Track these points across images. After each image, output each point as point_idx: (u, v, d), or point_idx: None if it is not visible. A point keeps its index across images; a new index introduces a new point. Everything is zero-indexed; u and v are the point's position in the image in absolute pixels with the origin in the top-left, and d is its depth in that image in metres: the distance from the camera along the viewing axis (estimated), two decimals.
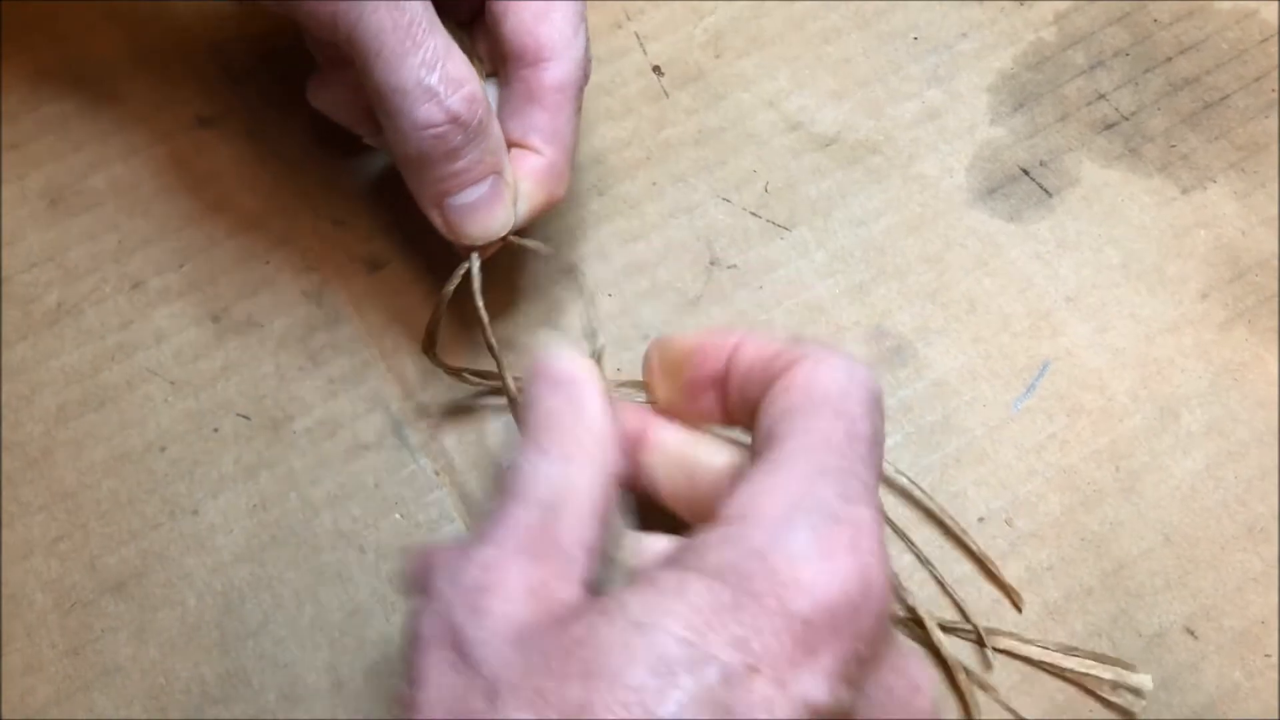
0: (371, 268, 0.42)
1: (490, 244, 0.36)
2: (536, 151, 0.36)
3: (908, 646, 0.27)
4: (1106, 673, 0.36)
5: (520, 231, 0.37)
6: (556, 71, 0.36)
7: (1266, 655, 0.37)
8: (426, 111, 0.33)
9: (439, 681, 0.24)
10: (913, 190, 0.44)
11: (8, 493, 0.38)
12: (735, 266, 0.42)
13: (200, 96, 0.44)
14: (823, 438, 0.27)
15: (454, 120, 0.34)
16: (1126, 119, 0.45)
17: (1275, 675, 0.36)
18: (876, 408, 0.28)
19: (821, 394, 0.28)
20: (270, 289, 0.41)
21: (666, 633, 0.23)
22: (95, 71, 0.45)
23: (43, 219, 0.42)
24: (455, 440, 0.39)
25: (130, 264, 0.41)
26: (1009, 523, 0.38)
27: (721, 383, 0.31)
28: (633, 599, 0.24)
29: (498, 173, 0.35)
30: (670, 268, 0.42)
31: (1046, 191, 0.44)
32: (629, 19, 0.47)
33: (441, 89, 0.33)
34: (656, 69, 0.46)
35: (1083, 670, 0.36)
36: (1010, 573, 0.38)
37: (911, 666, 0.26)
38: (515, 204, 0.36)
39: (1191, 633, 0.37)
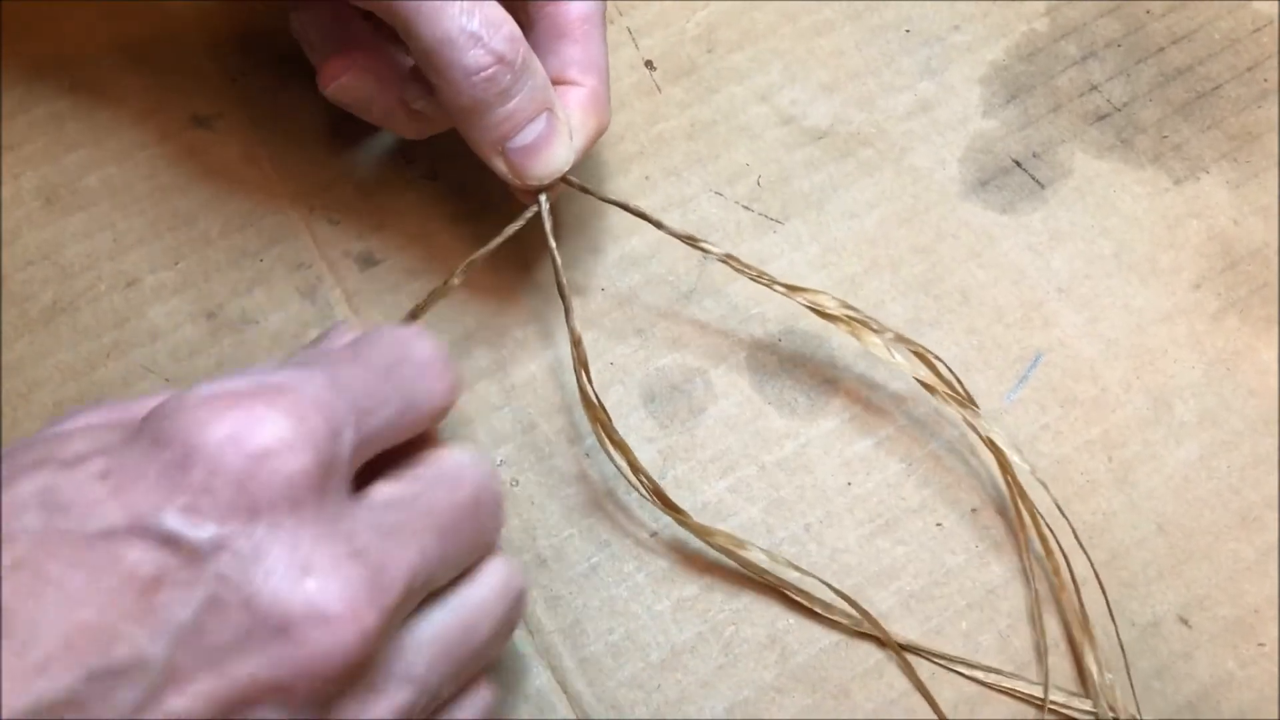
0: (365, 265, 0.42)
1: (554, 186, 0.37)
2: (576, 83, 0.37)
3: (341, 547, 0.25)
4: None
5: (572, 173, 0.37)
6: (580, 3, 0.37)
7: (1260, 644, 0.37)
8: (474, 57, 0.34)
9: None
10: (905, 182, 0.44)
11: None
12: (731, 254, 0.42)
13: (195, 96, 0.45)
14: (318, 350, 0.30)
15: (500, 60, 0.34)
16: (1119, 110, 0.45)
17: (1268, 664, 0.37)
18: (407, 359, 0.29)
19: (359, 340, 0.30)
20: (265, 286, 0.41)
21: (72, 440, 0.26)
22: (90, 72, 0.45)
23: (38, 218, 0.42)
24: (449, 435, 0.39)
25: (125, 262, 0.42)
26: (1002, 513, 0.38)
27: None
28: (81, 423, 0.28)
29: (549, 108, 0.36)
30: (663, 261, 0.42)
31: (1039, 183, 0.44)
32: (621, 14, 0.47)
33: (484, 32, 0.34)
34: (649, 63, 0.46)
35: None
36: (1003, 563, 0.38)
37: (320, 552, 0.25)
38: (571, 138, 0.37)
39: (1185, 622, 0.37)
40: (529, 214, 0.37)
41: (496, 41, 0.34)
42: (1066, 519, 0.37)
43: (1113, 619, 0.37)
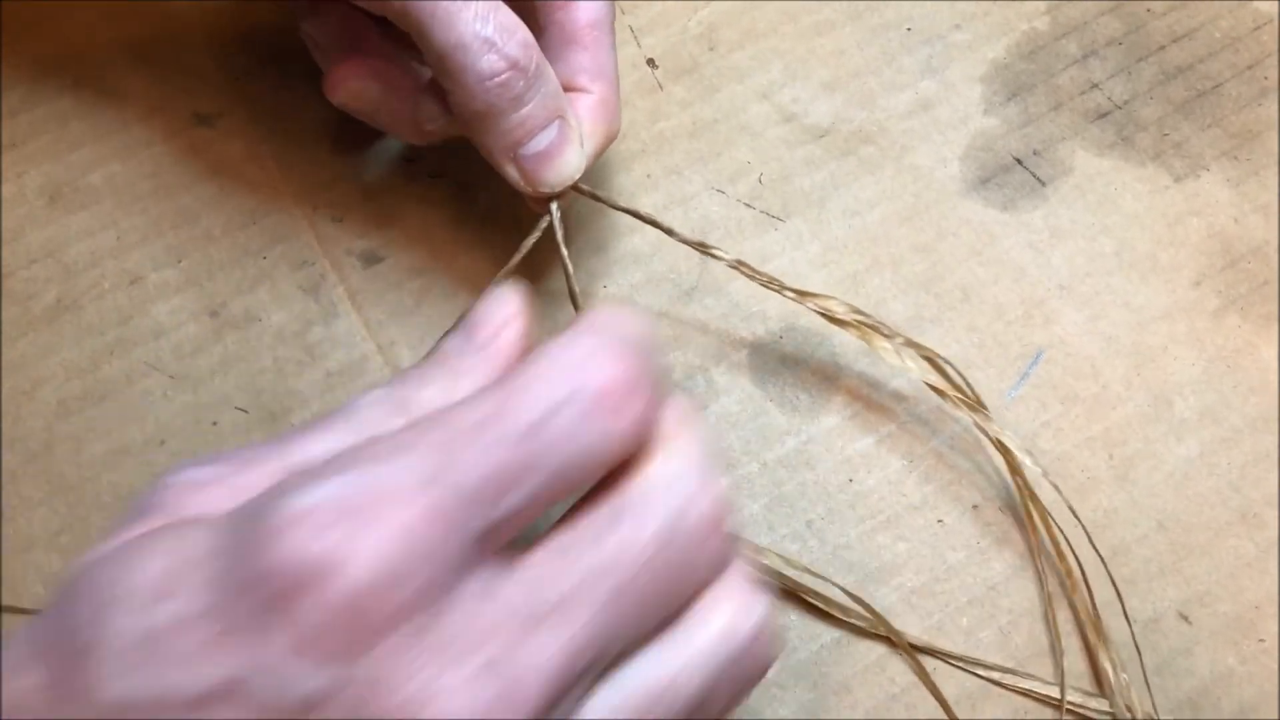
0: (368, 262, 0.42)
1: (564, 193, 0.37)
2: (586, 90, 0.37)
3: (473, 661, 0.22)
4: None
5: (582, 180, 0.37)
6: (589, 9, 0.37)
7: (1260, 640, 0.37)
8: (488, 62, 0.34)
9: None
10: (906, 180, 0.44)
11: (9, 487, 0.38)
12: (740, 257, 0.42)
13: (198, 95, 0.45)
14: (458, 413, 0.23)
15: (514, 66, 0.34)
16: (1119, 108, 0.45)
17: (1269, 661, 0.37)
18: (576, 402, 0.23)
19: (520, 367, 0.24)
20: (268, 284, 0.41)
21: (138, 567, 0.22)
22: (94, 70, 0.45)
23: (41, 216, 0.42)
24: None
25: (129, 260, 0.42)
26: (1003, 510, 0.38)
27: None
28: (161, 529, 0.23)
29: (561, 116, 0.36)
30: (665, 259, 0.42)
31: (1040, 181, 0.44)
32: (623, 13, 0.47)
33: (498, 38, 0.34)
34: (651, 62, 0.46)
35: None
36: (1004, 560, 0.38)
37: (437, 677, 0.22)
38: (582, 145, 0.37)
39: (1185, 618, 0.37)
40: (543, 225, 0.37)
41: (511, 47, 0.34)
42: (1078, 519, 0.37)
43: (1126, 618, 0.37)
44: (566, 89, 0.37)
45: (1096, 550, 0.37)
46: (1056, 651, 0.36)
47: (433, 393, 0.26)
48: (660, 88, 0.45)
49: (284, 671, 0.21)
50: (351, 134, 0.44)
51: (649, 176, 0.44)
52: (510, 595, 0.23)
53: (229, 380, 0.40)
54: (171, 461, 0.39)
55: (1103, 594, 0.37)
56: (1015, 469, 0.38)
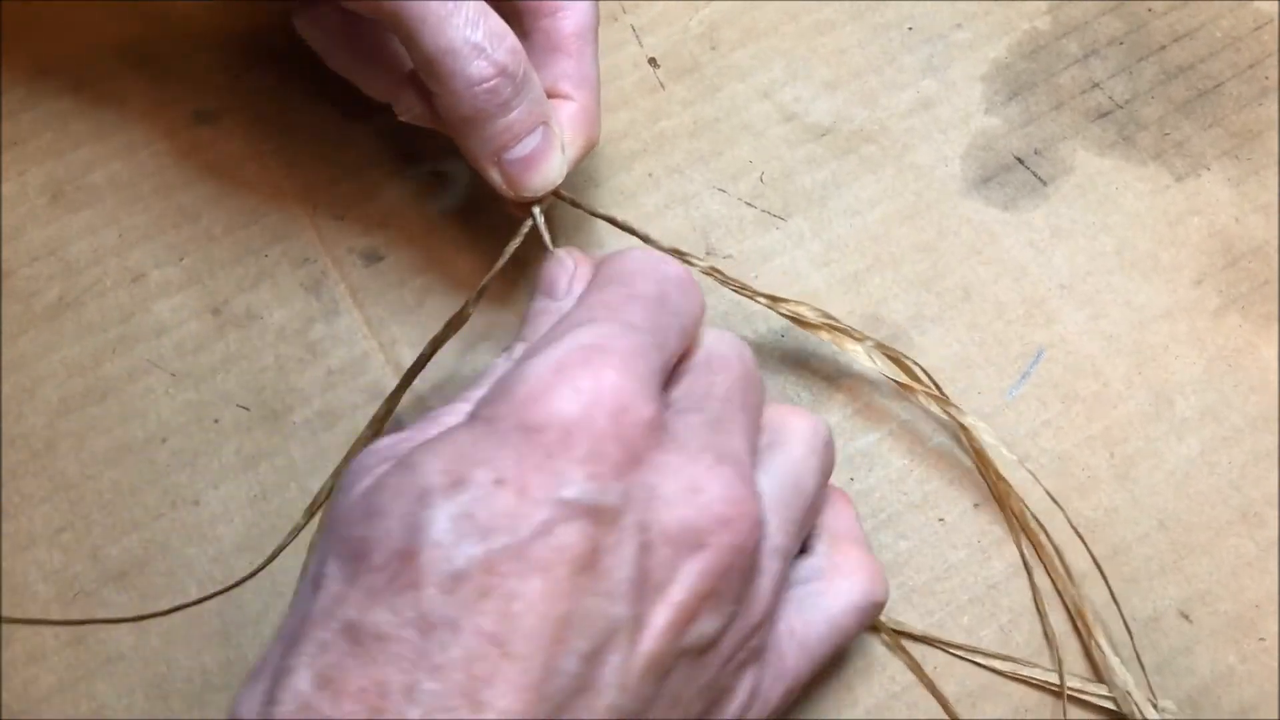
0: (369, 260, 0.42)
1: (545, 198, 0.37)
2: (568, 98, 0.37)
3: (704, 457, 0.28)
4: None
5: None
6: (575, 18, 0.38)
7: (1261, 639, 0.37)
8: (477, 68, 0.34)
9: (313, 558, 0.28)
10: (907, 179, 0.44)
11: (10, 485, 0.38)
12: (731, 256, 0.42)
13: (199, 92, 0.45)
14: (599, 300, 0.30)
15: (503, 72, 0.34)
16: (1120, 107, 0.45)
17: (1269, 659, 0.37)
18: (668, 282, 0.31)
19: (611, 274, 0.31)
20: (270, 282, 0.41)
21: (429, 467, 0.26)
22: (95, 68, 0.45)
23: (43, 214, 0.42)
24: None
25: (130, 258, 0.42)
26: (1004, 509, 0.38)
27: None
28: (415, 447, 0.27)
29: (545, 122, 0.36)
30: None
31: (1041, 180, 0.44)
32: (625, 12, 0.47)
33: (487, 44, 0.34)
34: (652, 61, 0.46)
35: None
36: (1005, 559, 0.38)
37: (692, 468, 0.27)
38: (564, 152, 0.37)
39: (1186, 617, 0.37)
40: (525, 229, 0.37)
41: (500, 53, 0.34)
42: (1062, 510, 0.37)
43: (1117, 605, 0.37)
44: (549, 95, 0.37)
45: (1090, 552, 0.37)
46: (1051, 638, 0.36)
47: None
48: (662, 87, 0.45)
49: (585, 497, 0.25)
50: (353, 132, 0.44)
51: (650, 175, 0.44)
52: (692, 419, 0.29)
53: (230, 378, 0.40)
54: (173, 459, 0.39)
55: (1104, 592, 0.37)
56: (986, 465, 0.38)
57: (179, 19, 0.46)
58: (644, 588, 0.26)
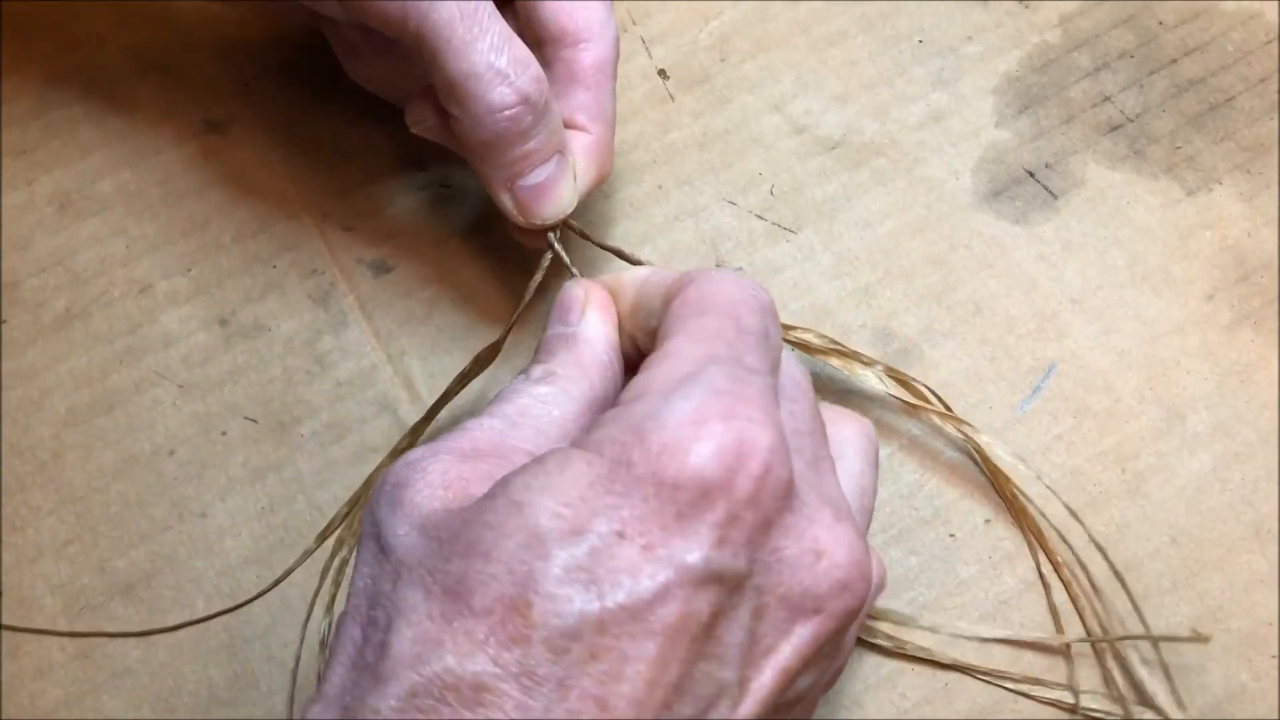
0: (378, 271, 0.42)
1: (555, 226, 0.37)
2: (584, 130, 0.37)
3: (824, 515, 0.27)
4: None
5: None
6: (596, 52, 0.37)
7: (1274, 656, 0.37)
8: (500, 94, 0.34)
9: (363, 570, 0.27)
10: (918, 193, 0.44)
11: (17, 496, 0.38)
12: (741, 269, 0.42)
13: (208, 101, 0.45)
14: (712, 332, 0.28)
15: (525, 100, 0.34)
16: (1131, 121, 0.45)
17: None
18: (766, 313, 0.30)
19: (711, 302, 0.29)
20: (278, 293, 0.41)
21: (541, 508, 0.24)
22: (103, 77, 0.45)
23: (51, 224, 0.42)
24: None
25: (138, 268, 0.42)
26: (1014, 524, 0.38)
27: (631, 317, 0.33)
28: (516, 479, 0.25)
29: (561, 151, 0.36)
30: (676, 271, 0.42)
31: (1052, 193, 0.44)
32: (634, 23, 0.47)
33: (511, 70, 0.34)
34: (662, 73, 0.46)
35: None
36: (1016, 574, 0.38)
37: (815, 530, 0.26)
38: (577, 181, 0.37)
39: (1198, 634, 0.37)
40: (546, 261, 0.37)
41: (523, 81, 0.34)
42: (1081, 523, 0.37)
43: (1141, 619, 0.36)
44: (565, 125, 0.37)
45: (1112, 566, 0.37)
46: (1072, 662, 0.36)
47: (565, 361, 0.32)
48: (671, 98, 0.45)
49: (714, 563, 0.24)
50: (362, 142, 0.44)
51: (660, 188, 0.44)
52: (795, 458, 0.27)
53: (238, 389, 0.40)
54: (180, 472, 0.38)
55: (1116, 608, 0.37)
56: (1001, 485, 0.38)
57: (188, 27, 0.46)
58: (753, 651, 0.25)
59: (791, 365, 0.31)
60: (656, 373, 0.27)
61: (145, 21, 0.46)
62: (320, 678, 0.26)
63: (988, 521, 0.38)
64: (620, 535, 0.24)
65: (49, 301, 0.41)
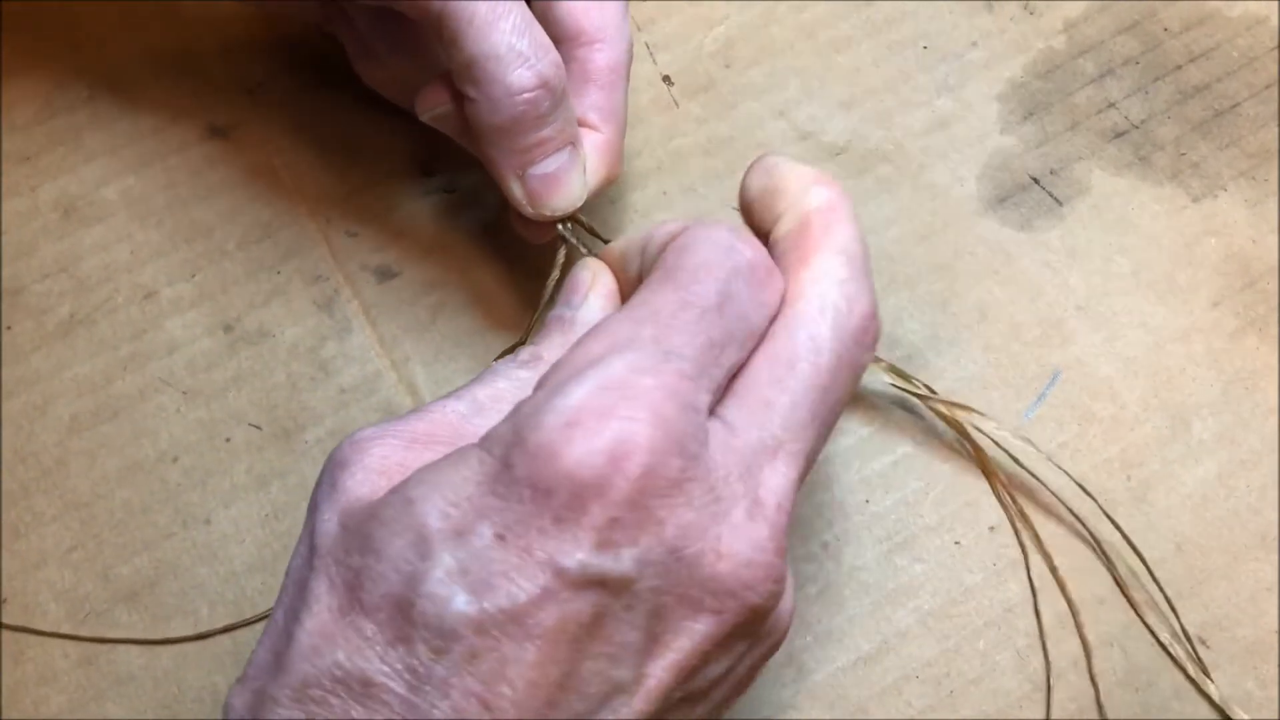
0: (382, 277, 0.42)
1: (563, 219, 0.37)
2: (596, 129, 0.37)
3: (735, 513, 0.26)
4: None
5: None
6: (611, 53, 0.37)
7: (1279, 664, 0.37)
8: (519, 76, 0.34)
9: (298, 550, 0.27)
10: (923, 199, 0.44)
11: (21, 503, 0.38)
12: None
13: (213, 107, 0.45)
14: (650, 307, 0.27)
15: (544, 84, 0.34)
16: (1136, 127, 0.45)
17: None
18: (736, 276, 0.28)
19: (675, 264, 0.28)
20: (282, 299, 0.41)
21: (431, 506, 0.24)
22: (107, 83, 0.45)
23: (55, 230, 0.42)
24: None
25: (142, 274, 0.42)
26: (1020, 532, 0.38)
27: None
28: (415, 475, 0.25)
29: (574, 143, 0.36)
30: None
31: (1057, 200, 0.44)
32: (639, 29, 0.47)
33: (532, 54, 0.34)
34: (666, 79, 0.46)
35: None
36: (1021, 581, 0.38)
37: (717, 528, 0.25)
38: (586, 176, 0.37)
39: (1203, 642, 0.37)
40: (561, 260, 0.37)
41: (544, 65, 0.34)
42: (1109, 517, 0.37)
43: (1173, 614, 0.36)
44: (578, 124, 0.37)
45: (1144, 556, 0.37)
46: (1092, 664, 0.36)
47: (555, 345, 0.31)
48: (676, 105, 0.45)
49: (592, 567, 0.24)
50: (367, 147, 0.44)
51: (664, 194, 0.43)
52: (744, 438, 0.26)
53: (242, 396, 0.40)
54: (184, 479, 0.38)
55: (1121, 616, 0.37)
56: (1000, 492, 0.38)
57: (193, 33, 0.46)
58: (651, 649, 0.25)
59: (804, 335, 0.28)
60: (571, 357, 0.27)
61: (150, 26, 0.46)
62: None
63: (992, 529, 0.38)
64: (500, 538, 0.24)
65: (53, 308, 0.41)
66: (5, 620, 0.36)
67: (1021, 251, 0.43)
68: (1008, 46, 0.47)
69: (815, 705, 0.36)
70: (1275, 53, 0.46)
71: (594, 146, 0.37)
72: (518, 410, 0.25)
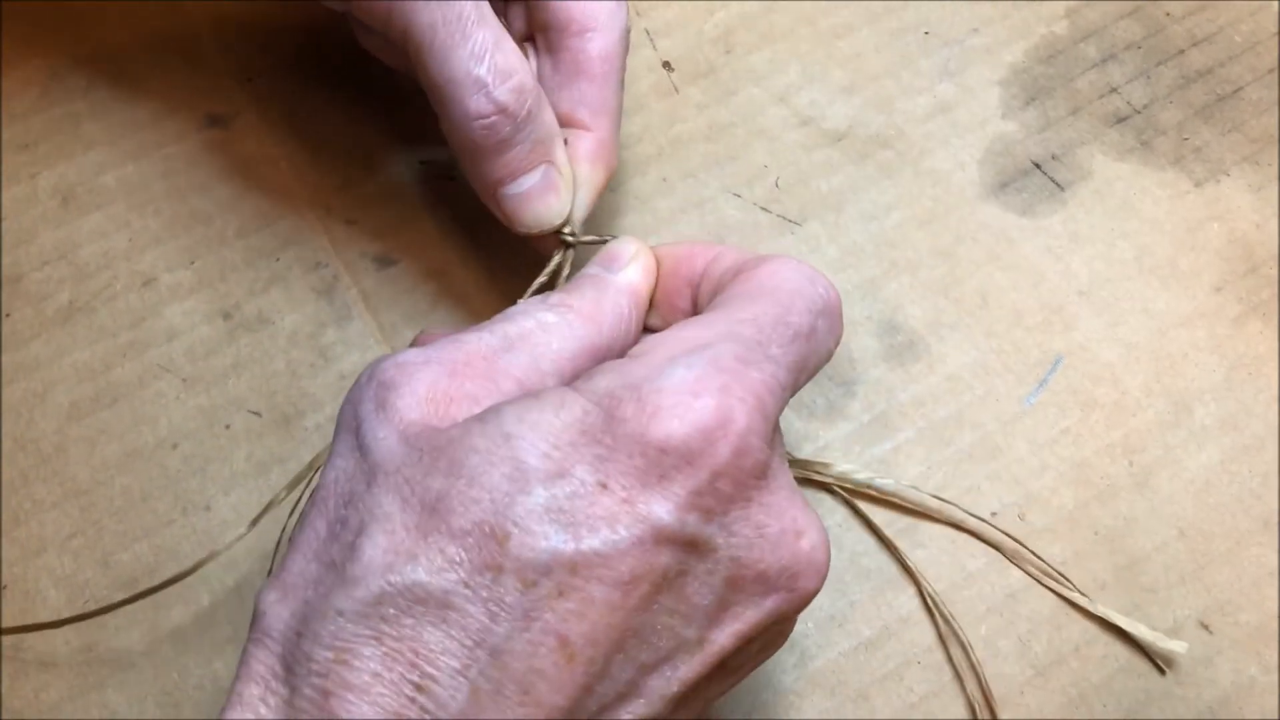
0: (382, 265, 0.42)
1: (547, 236, 0.37)
2: (585, 127, 0.37)
3: (798, 500, 0.28)
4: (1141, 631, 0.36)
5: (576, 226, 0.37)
6: (602, 42, 0.37)
7: None
8: (476, 102, 0.34)
9: (337, 464, 0.27)
10: (924, 185, 0.43)
11: (21, 490, 0.38)
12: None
13: (211, 96, 0.44)
14: (751, 315, 0.29)
15: (502, 111, 0.34)
16: (1139, 112, 0.45)
17: None
18: (824, 314, 0.30)
19: (771, 285, 0.30)
20: (281, 286, 0.41)
21: (530, 444, 0.25)
22: (107, 72, 0.45)
23: (54, 218, 0.42)
24: None
25: (142, 261, 0.41)
26: (1022, 517, 0.38)
27: (696, 286, 0.33)
28: (510, 410, 0.26)
29: (549, 162, 0.36)
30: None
31: (1058, 185, 0.43)
32: (639, 15, 0.47)
33: (490, 80, 0.34)
34: (667, 65, 0.46)
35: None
36: (1023, 568, 0.37)
37: (795, 512, 0.27)
38: (571, 192, 0.37)
39: (1206, 627, 0.37)
40: (551, 266, 0.37)
41: (501, 92, 0.34)
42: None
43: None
44: (567, 123, 0.37)
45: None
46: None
47: (586, 298, 0.32)
48: (676, 91, 0.45)
49: (689, 526, 0.25)
50: (366, 135, 0.44)
51: (665, 180, 0.43)
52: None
53: (242, 382, 0.40)
54: (184, 465, 0.38)
55: (1124, 601, 0.37)
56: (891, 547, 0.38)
57: (191, 22, 0.46)
58: (720, 615, 0.26)
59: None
60: (677, 334, 0.28)
61: (148, 15, 0.46)
62: (278, 565, 0.26)
63: (994, 514, 0.38)
64: (603, 485, 0.25)
65: (52, 295, 0.41)
66: (5, 607, 0.36)
67: (1023, 237, 0.43)
68: (1009, 31, 0.46)
69: (816, 691, 0.36)
70: (1277, 37, 0.46)
71: (585, 152, 0.37)
72: (625, 371, 0.27)
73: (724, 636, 0.26)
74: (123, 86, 0.45)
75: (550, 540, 0.24)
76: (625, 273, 0.33)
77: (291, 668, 0.24)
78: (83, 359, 0.40)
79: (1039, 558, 0.37)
